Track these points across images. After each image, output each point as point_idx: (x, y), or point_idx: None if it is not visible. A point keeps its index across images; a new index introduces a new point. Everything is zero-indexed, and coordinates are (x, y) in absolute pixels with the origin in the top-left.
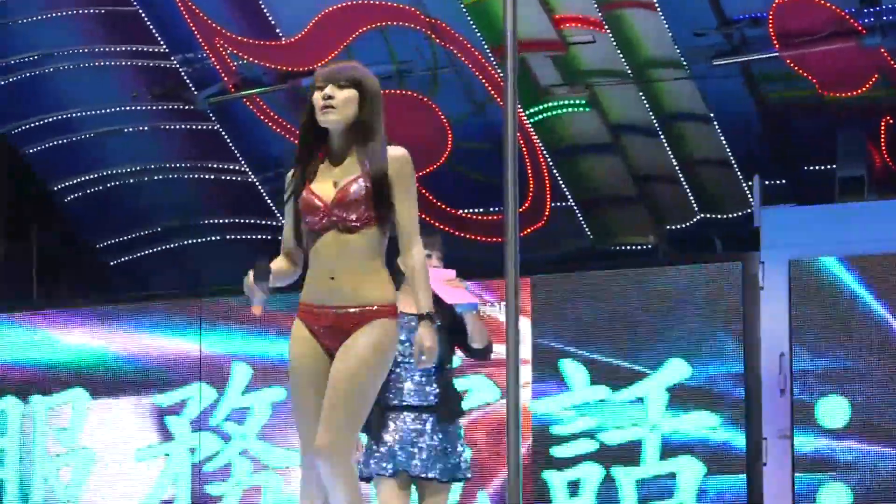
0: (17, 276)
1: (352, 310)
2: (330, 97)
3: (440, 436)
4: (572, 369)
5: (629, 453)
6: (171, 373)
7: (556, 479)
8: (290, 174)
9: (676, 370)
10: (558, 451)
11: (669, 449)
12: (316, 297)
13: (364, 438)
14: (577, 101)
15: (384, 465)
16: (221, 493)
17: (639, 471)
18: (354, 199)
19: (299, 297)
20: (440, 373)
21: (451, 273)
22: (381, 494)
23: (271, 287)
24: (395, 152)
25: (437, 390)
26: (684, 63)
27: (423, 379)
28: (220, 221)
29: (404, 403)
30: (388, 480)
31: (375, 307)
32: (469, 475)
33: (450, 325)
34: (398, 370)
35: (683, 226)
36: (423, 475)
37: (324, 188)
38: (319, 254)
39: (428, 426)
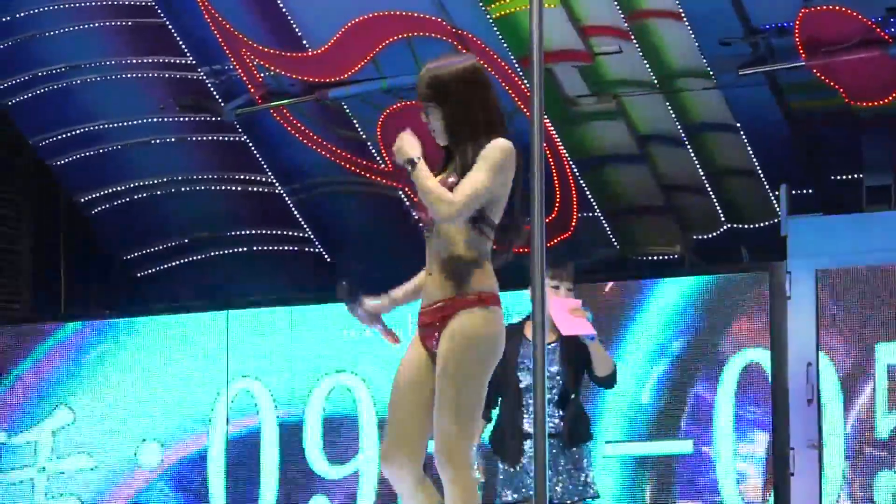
0: (45, 288)
1: (439, 304)
2: (430, 128)
3: (563, 460)
4: None
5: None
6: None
7: None
8: None
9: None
10: None
11: None
12: (422, 299)
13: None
14: (604, 112)
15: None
16: None
17: None
18: None
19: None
20: (564, 402)
21: (577, 303)
22: None
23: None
24: (493, 142)
25: (558, 420)
26: (710, 73)
27: (549, 408)
28: (248, 233)
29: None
30: None
31: (457, 297)
32: (593, 493)
33: (574, 353)
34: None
35: (710, 236)
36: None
37: None
38: (428, 252)
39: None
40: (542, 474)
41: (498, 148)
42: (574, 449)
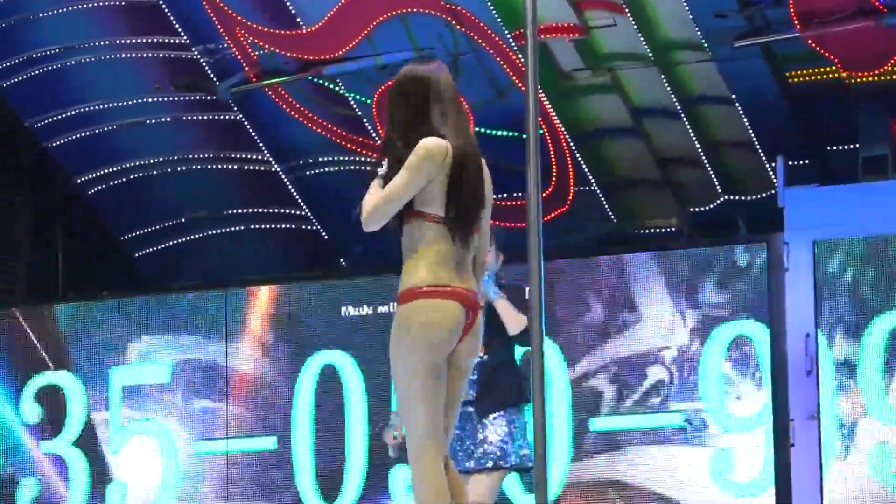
0: (43, 270)
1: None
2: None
3: (469, 426)
4: None
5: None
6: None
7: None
8: None
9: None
10: None
11: None
12: None
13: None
14: (599, 85)
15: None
16: None
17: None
18: None
19: None
20: (479, 368)
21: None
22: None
23: None
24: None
25: (476, 386)
26: (706, 45)
27: None
28: (244, 212)
29: None
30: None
31: (399, 294)
32: (507, 463)
33: (486, 316)
34: None
35: (707, 208)
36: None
37: None
38: None
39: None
40: (543, 474)
41: (419, 148)
42: (494, 415)
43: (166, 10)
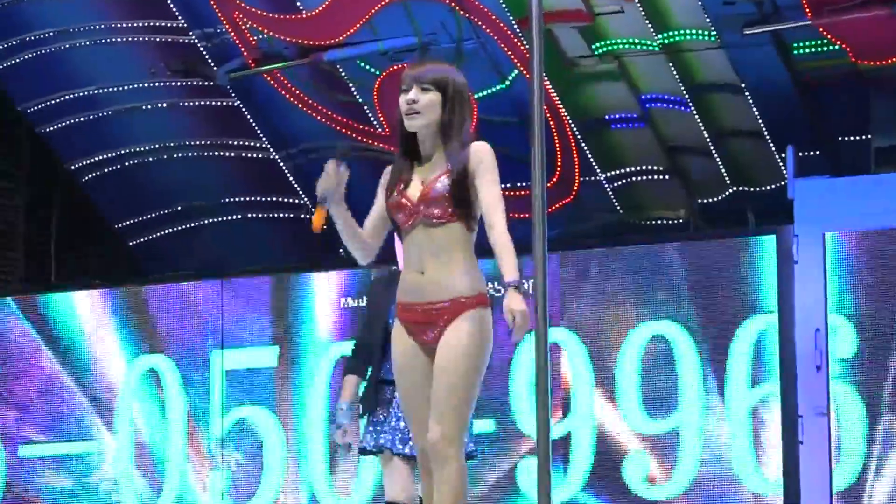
0: (36, 257)
1: (441, 304)
2: (413, 101)
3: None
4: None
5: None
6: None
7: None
8: (388, 169)
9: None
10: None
11: None
12: (409, 295)
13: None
14: (606, 72)
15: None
16: None
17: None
18: (437, 196)
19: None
20: None
21: None
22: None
23: (342, 223)
24: (478, 145)
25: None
26: (714, 32)
27: None
28: (242, 200)
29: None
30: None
31: (465, 298)
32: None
33: None
34: None
35: (715, 199)
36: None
37: (412, 187)
38: (410, 251)
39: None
40: (546, 474)
41: (492, 156)
42: None
43: None
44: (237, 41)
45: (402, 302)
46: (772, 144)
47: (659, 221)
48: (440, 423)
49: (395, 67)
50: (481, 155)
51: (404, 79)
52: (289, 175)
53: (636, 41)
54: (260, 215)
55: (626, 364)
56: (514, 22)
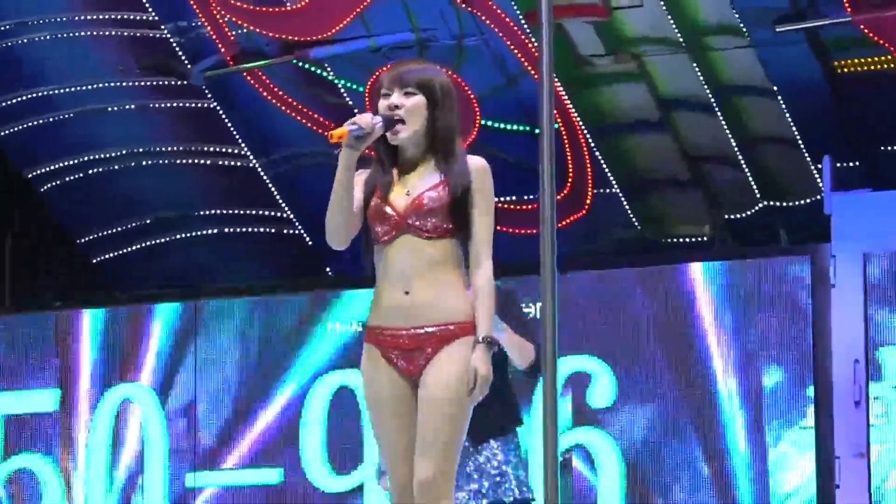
0: None
1: (430, 329)
2: (396, 107)
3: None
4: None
5: None
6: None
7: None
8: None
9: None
10: None
11: None
12: (388, 318)
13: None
14: (623, 73)
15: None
16: None
17: None
18: (431, 207)
19: (365, 321)
20: None
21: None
22: None
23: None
24: (478, 164)
25: None
26: (744, 29)
27: None
28: (218, 213)
29: None
30: None
31: (456, 324)
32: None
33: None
34: None
35: (743, 214)
36: None
37: (396, 196)
38: (391, 267)
39: None
40: (553, 476)
41: (491, 178)
42: (488, 443)
43: None
44: (214, 36)
45: (382, 326)
46: (806, 154)
47: (681, 239)
48: (433, 460)
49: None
50: (482, 178)
51: (382, 81)
52: (270, 185)
53: (657, 38)
54: (238, 230)
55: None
56: (521, 16)
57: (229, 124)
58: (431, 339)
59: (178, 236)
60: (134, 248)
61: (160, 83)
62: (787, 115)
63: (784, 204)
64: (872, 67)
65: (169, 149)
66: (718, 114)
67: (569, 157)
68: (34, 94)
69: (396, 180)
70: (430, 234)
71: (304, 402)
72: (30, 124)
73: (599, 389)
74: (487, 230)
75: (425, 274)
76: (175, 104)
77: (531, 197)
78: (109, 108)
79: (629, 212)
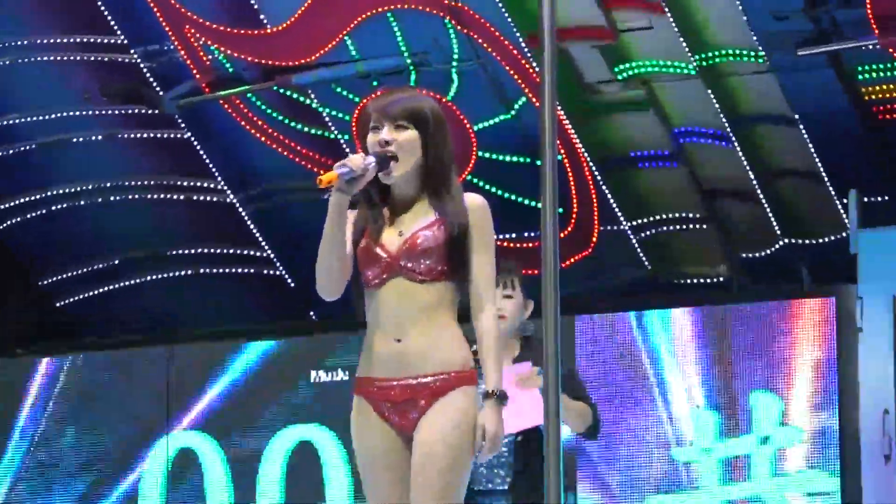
0: None
1: (424, 379)
2: (387, 143)
3: None
4: None
5: None
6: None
7: None
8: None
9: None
10: None
11: None
12: (379, 369)
13: None
14: (632, 101)
15: None
16: None
17: None
18: (425, 248)
19: (356, 372)
20: (519, 448)
21: (525, 367)
22: None
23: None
24: (476, 201)
25: (509, 473)
26: (762, 52)
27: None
28: (192, 252)
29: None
30: None
31: (453, 374)
32: None
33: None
34: None
35: (762, 253)
36: None
37: (387, 237)
38: (381, 313)
39: None
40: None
41: (490, 217)
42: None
43: (99, 4)
44: (188, 61)
45: (372, 377)
46: (831, 188)
47: (695, 280)
48: None
49: (378, 94)
50: (481, 216)
51: (369, 113)
52: (248, 222)
53: (668, 63)
54: (214, 270)
55: None
56: (521, 39)
57: (204, 156)
58: (425, 391)
59: (150, 278)
60: (101, 290)
61: (129, 112)
62: (810, 145)
63: (806, 242)
64: None
65: (139, 183)
66: (735, 144)
67: (573, 192)
68: None
69: (387, 220)
70: (423, 276)
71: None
72: None
73: None
74: (489, 271)
75: (418, 320)
76: (146, 134)
77: (532, 234)
78: (75, 139)
79: (638, 251)
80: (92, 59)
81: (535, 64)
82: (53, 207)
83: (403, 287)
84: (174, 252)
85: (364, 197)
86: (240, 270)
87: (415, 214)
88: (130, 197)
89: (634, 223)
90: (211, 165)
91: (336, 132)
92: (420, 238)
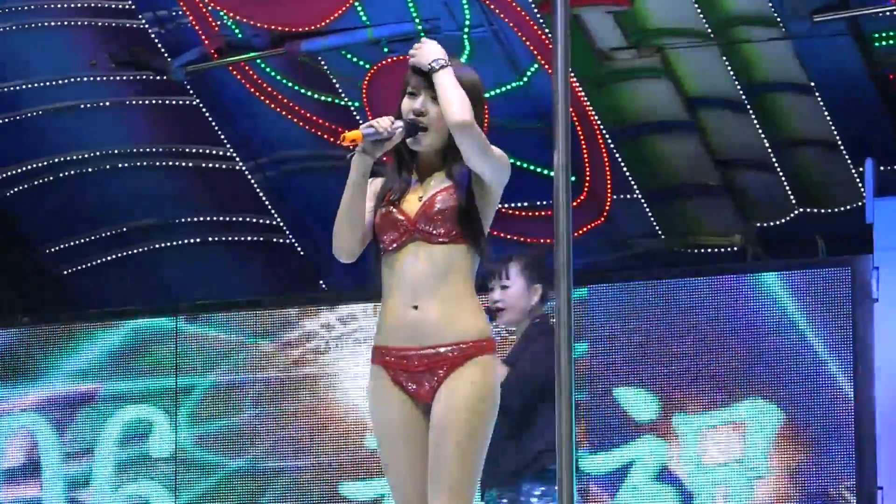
0: None
1: (443, 349)
2: (422, 113)
3: None
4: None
5: None
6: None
7: None
8: (374, 180)
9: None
10: None
11: None
12: (396, 337)
13: None
14: (646, 68)
15: None
16: None
17: None
18: (441, 209)
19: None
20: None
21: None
22: None
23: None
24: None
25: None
26: (778, 19)
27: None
28: (201, 220)
29: None
30: None
31: (471, 343)
32: None
33: None
34: None
35: (777, 223)
36: None
37: (408, 202)
38: (399, 279)
39: None
40: (569, 479)
41: (505, 157)
42: None
43: None
44: (196, 27)
45: (390, 346)
46: (847, 157)
47: (709, 249)
48: (449, 494)
49: (389, 60)
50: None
51: (409, 79)
52: (258, 189)
53: (683, 30)
54: (223, 238)
55: None
56: (533, 5)
57: (213, 123)
58: (443, 361)
59: (157, 246)
60: (107, 259)
61: (137, 78)
62: (826, 113)
63: (822, 211)
64: None
65: (146, 150)
66: (751, 113)
67: (586, 160)
68: None
69: (411, 186)
70: (441, 238)
71: None
72: None
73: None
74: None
75: (435, 286)
76: (154, 101)
77: (545, 203)
78: (81, 106)
79: (652, 220)
80: (99, 24)
81: (547, 30)
82: (60, 175)
83: (421, 250)
84: (182, 220)
85: (396, 158)
86: (248, 238)
87: (436, 178)
88: (138, 164)
89: (648, 192)
90: (219, 132)
91: (346, 99)
92: (437, 200)
